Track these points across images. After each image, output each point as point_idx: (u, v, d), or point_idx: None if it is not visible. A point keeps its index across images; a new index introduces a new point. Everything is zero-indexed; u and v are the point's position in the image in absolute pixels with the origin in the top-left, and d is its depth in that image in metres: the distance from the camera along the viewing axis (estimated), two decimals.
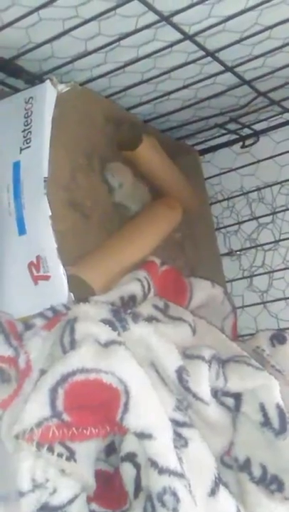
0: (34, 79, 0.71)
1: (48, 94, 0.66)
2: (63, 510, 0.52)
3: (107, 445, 0.58)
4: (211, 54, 0.72)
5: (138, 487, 0.52)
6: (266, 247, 0.96)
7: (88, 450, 0.54)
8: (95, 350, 0.54)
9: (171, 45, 0.70)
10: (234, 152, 0.99)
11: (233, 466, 0.60)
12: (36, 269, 0.63)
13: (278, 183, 0.95)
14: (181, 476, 0.51)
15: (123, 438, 0.54)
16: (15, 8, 0.60)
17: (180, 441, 0.55)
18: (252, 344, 0.71)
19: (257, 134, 0.95)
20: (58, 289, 0.62)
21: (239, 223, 0.99)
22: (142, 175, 0.80)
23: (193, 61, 0.74)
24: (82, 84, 0.74)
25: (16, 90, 0.73)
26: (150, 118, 0.87)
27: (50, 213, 0.63)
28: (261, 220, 0.97)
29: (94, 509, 0.55)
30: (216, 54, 0.73)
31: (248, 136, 0.95)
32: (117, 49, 0.69)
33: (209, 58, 0.73)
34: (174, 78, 0.78)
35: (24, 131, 0.66)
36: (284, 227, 0.95)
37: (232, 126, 0.92)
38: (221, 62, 0.75)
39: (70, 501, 0.52)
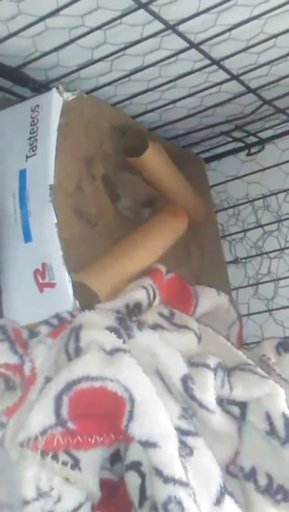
0: (40, 87, 0.72)
1: (54, 102, 0.67)
2: None
3: (112, 453, 0.57)
4: (217, 62, 0.72)
5: (143, 496, 0.52)
6: (272, 254, 0.96)
7: (93, 458, 0.53)
8: (100, 357, 0.54)
9: (176, 54, 0.70)
10: (240, 160, 0.99)
11: (238, 476, 0.60)
12: (42, 277, 0.63)
13: (284, 191, 0.95)
14: (186, 485, 0.51)
15: (128, 446, 0.54)
16: (21, 17, 0.61)
17: (185, 450, 0.54)
18: (257, 352, 0.70)
19: (262, 142, 0.95)
20: (64, 296, 0.62)
21: (244, 231, 0.99)
22: (147, 181, 0.80)
23: (199, 69, 0.74)
24: (88, 92, 0.74)
25: (22, 98, 0.73)
26: (156, 126, 0.87)
27: (56, 221, 0.63)
28: (267, 228, 0.97)
29: None
30: (222, 62, 0.73)
31: (254, 144, 0.95)
32: (122, 57, 0.70)
33: (215, 67, 0.73)
34: (180, 86, 0.78)
35: (30, 138, 0.67)
36: None
37: (237, 134, 0.92)
38: (227, 71, 0.75)
39: (75, 510, 0.52)
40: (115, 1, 0.60)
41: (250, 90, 0.80)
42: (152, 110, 0.83)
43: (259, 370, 0.62)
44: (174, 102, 0.81)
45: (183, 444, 0.54)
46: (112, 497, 0.56)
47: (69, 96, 0.67)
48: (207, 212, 0.91)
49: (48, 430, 0.51)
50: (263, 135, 0.94)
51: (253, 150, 0.96)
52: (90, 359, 0.54)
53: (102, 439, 0.53)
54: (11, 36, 0.63)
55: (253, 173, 0.97)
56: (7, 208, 0.66)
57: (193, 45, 0.68)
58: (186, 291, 0.73)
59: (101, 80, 0.75)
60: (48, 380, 0.55)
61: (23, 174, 0.66)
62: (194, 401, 0.57)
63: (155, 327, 0.62)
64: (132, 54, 0.69)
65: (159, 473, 0.51)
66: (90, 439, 0.52)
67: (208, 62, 0.72)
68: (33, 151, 0.66)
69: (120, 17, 0.62)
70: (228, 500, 0.54)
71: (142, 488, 0.52)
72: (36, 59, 0.68)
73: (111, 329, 0.57)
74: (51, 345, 0.58)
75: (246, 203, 0.99)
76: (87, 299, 0.63)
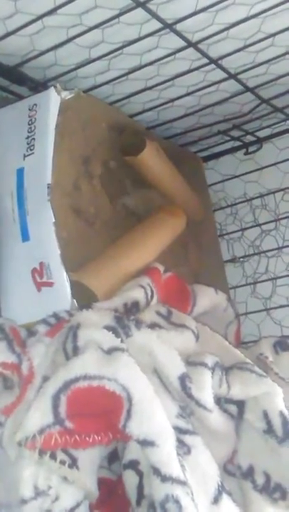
0: (38, 86, 0.72)
1: (51, 101, 0.67)
2: None
3: (109, 452, 0.57)
4: (215, 61, 0.72)
5: (141, 495, 0.52)
6: (269, 253, 0.96)
7: (91, 457, 0.53)
8: (98, 356, 0.54)
9: (174, 53, 0.70)
10: (237, 159, 0.99)
11: (236, 474, 0.60)
12: (39, 276, 0.63)
13: (281, 190, 0.95)
14: (183, 483, 0.51)
15: (126, 445, 0.54)
16: (19, 16, 0.61)
17: (183, 449, 0.54)
18: (255, 351, 0.70)
19: (260, 141, 0.95)
20: (61, 295, 0.62)
21: (242, 230, 0.99)
22: (145, 180, 0.80)
23: (197, 68, 0.74)
24: (85, 91, 0.74)
25: (20, 97, 0.73)
26: (153, 125, 0.87)
27: (54, 220, 0.63)
28: (264, 227, 0.97)
29: None
30: (219, 61, 0.73)
31: (252, 143, 0.95)
32: (120, 56, 0.70)
33: (212, 65, 0.73)
34: (178, 85, 0.78)
35: (28, 137, 0.66)
36: (287, 233, 0.95)
37: (235, 133, 0.92)
38: (224, 70, 0.75)
39: (73, 509, 0.52)
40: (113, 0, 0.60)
41: (248, 89, 0.80)
42: (150, 109, 0.83)
43: (257, 369, 0.62)
44: (172, 100, 0.81)
45: (181, 443, 0.54)
46: (110, 496, 0.56)
47: (67, 95, 0.67)
48: (205, 211, 0.91)
49: (46, 429, 0.51)
50: (261, 134, 0.94)
51: (250, 149, 0.96)
52: (87, 358, 0.54)
53: (99, 437, 0.53)
54: (9, 35, 0.63)
55: (250, 172, 0.97)
56: (5, 206, 0.66)
57: (190, 44, 0.68)
58: (184, 290, 0.73)
59: (99, 79, 0.75)
60: (45, 379, 0.55)
61: (20, 173, 0.66)
62: (192, 400, 0.57)
63: (153, 326, 0.62)
64: (130, 53, 0.69)
65: (156, 471, 0.51)
66: (87, 438, 0.52)
67: (205, 61, 0.72)
68: (31, 150, 0.66)
69: (118, 16, 0.62)
70: (225, 498, 0.54)
71: (140, 487, 0.52)
72: (34, 58, 0.67)
73: (109, 328, 0.57)
74: (49, 345, 0.58)
75: (244, 201, 0.99)
76: (85, 298, 0.63)
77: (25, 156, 0.66)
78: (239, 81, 0.78)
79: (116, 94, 0.78)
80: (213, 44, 0.69)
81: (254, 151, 0.96)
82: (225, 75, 0.76)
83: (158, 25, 0.63)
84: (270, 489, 0.58)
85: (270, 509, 0.57)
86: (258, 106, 0.85)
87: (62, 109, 0.66)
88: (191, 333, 0.65)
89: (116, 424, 0.52)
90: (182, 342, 0.63)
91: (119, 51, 0.68)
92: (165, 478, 0.50)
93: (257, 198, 0.97)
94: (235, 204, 0.99)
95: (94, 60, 0.70)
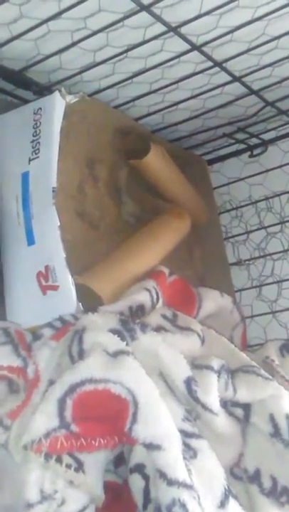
0: (43, 90, 0.72)
1: (56, 105, 0.67)
2: None
3: (115, 456, 0.57)
4: (219, 64, 0.73)
5: (147, 499, 0.52)
6: (275, 256, 0.96)
7: (97, 461, 0.53)
8: (104, 360, 0.54)
9: (178, 56, 0.70)
10: (242, 162, 0.99)
11: (242, 478, 0.60)
12: (45, 279, 0.63)
13: (287, 193, 0.95)
14: (190, 487, 0.50)
15: (132, 449, 0.54)
16: (24, 20, 0.61)
17: (189, 453, 0.54)
18: (261, 354, 0.70)
19: (265, 144, 0.94)
20: (67, 298, 0.62)
21: (248, 232, 0.98)
22: (149, 184, 0.80)
23: (201, 71, 0.74)
24: (90, 95, 0.74)
25: (25, 101, 0.73)
26: (158, 128, 0.87)
27: (59, 223, 0.63)
28: (270, 230, 0.97)
29: None
30: (224, 64, 0.73)
31: (256, 146, 0.95)
32: (125, 60, 0.70)
33: (217, 68, 0.73)
34: (182, 88, 0.78)
35: (33, 141, 0.67)
36: None
37: (240, 135, 0.92)
38: (229, 73, 0.75)
39: None
40: (117, 3, 0.60)
41: (252, 92, 0.80)
42: (155, 112, 0.83)
43: (263, 372, 0.62)
44: (177, 104, 0.81)
45: (187, 447, 0.54)
46: (116, 500, 0.56)
47: (71, 99, 0.67)
48: (210, 213, 0.91)
49: (52, 433, 0.51)
50: (266, 137, 0.94)
51: (255, 152, 0.95)
52: (93, 361, 0.54)
53: (105, 441, 0.53)
54: (14, 39, 0.63)
55: (255, 174, 0.97)
56: (10, 210, 0.66)
57: (195, 47, 0.68)
58: (190, 293, 0.73)
59: (103, 83, 0.75)
60: (51, 382, 0.55)
61: (25, 177, 0.66)
62: (198, 403, 0.57)
63: (158, 329, 0.62)
64: (135, 56, 0.69)
65: (163, 475, 0.51)
66: (93, 442, 0.52)
67: (210, 64, 0.72)
68: (36, 153, 0.66)
69: (122, 19, 0.62)
70: (232, 502, 0.54)
71: (146, 491, 0.52)
72: (39, 62, 0.68)
73: (114, 331, 0.57)
74: (55, 348, 0.58)
75: (249, 204, 0.99)
76: (90, 301, 0.63)
77: (30, 159, 0.66)
78: (244, 84, 0.78)
79: (121, 97, 0.78)
80: (217, 47, 0.69)
81: (259, 154, 0.95)
82: (229, 78, 0.76)
83: (162, 28, 0.64)
84: (277, 493, 0.57)
85: None
86: (262, 108, 0.85)
87: (67, 112, 0.67)
88: (196, 336, 0.65)
89: (122, 428, 0.52)
90: (188, 345, 0.63)
91: (124, 55, 0.68)
92: (171, 482, 0.50)
93: (262, 200, 0.97)
94: (241, 207, 0.99)
95: (98, 64, 0.70)
